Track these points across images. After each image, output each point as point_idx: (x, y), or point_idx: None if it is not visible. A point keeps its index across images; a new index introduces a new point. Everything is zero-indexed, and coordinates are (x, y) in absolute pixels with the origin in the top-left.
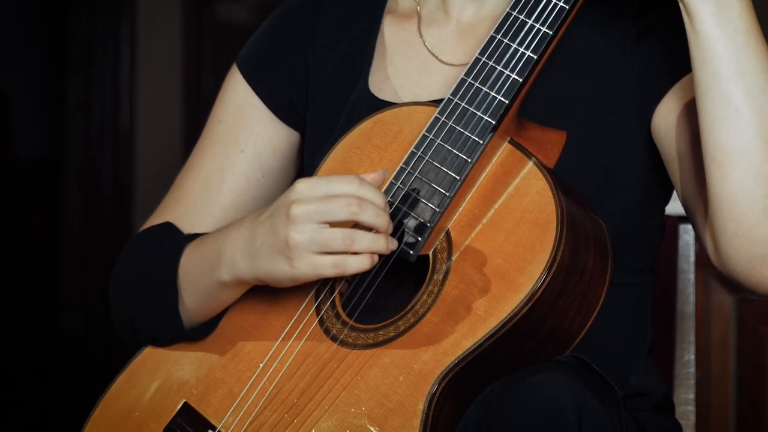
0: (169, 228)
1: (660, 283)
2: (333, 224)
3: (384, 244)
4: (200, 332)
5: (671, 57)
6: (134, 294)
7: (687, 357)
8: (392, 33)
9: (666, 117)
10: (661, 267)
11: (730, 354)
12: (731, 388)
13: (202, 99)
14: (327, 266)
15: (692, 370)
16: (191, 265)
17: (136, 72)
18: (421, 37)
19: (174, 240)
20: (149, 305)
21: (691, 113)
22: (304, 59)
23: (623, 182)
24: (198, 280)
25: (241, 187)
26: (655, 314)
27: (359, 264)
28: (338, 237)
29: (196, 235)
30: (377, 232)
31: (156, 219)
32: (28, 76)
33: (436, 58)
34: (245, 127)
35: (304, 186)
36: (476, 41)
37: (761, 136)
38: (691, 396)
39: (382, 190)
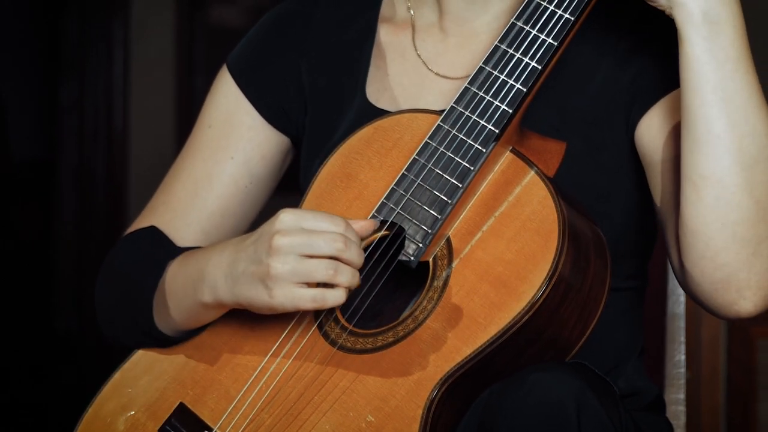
0: (154, 235)
1: (651, 284)
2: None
3: (358, 279)
4: (187, 337)
5: (661, 70)
6: (118, 299)
7: (677, 357)
8: (387, 43)
9: (649, 129)
10: (652, 268)
11: (720, 354)
12: (721, 388)
13: (194, 101)
14: (306, 299)
15: (682, 370)
16: (175, 283)
17: (129, 74)
18: (416, 49)
19: (160, 252)
20: (131, 314)
21: (674, 129)
22: (298, 64)
23: (619, 188)
24: (181, 299)
25: (229, 193)
26: (646, 315)
27: (336, 298)
28: (321, 267)
29: (183, 249)
30: None
31: (144, 221)
32: (21, 78)
33: (432, 71)
34: (235, 133)
35: (289, 217)
36: (472, 55)
37: (739, 164)
38: (682, 396)
39: (372, 212)
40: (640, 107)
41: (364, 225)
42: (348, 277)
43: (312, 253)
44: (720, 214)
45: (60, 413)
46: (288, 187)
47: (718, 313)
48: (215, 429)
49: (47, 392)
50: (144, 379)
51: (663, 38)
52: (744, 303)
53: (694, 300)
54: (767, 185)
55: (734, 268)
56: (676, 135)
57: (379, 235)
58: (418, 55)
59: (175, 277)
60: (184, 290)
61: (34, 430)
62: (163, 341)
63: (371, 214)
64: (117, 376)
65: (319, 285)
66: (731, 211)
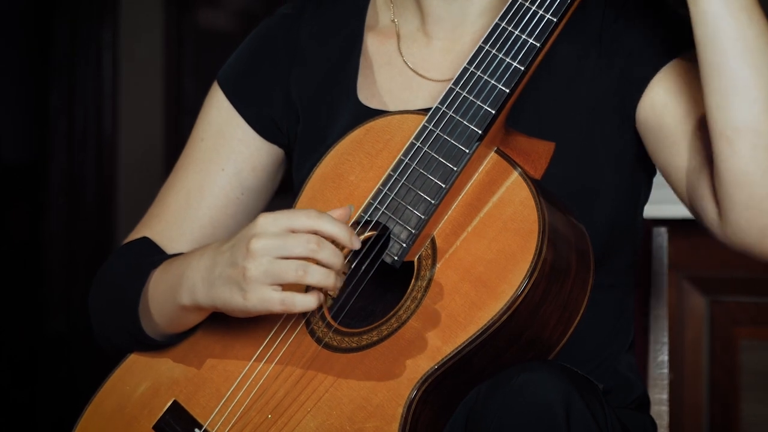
0: (144, 246)
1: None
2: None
3: (334, 281)
4: (175, 341)
5: (647, 50)
6: (107, 307)
7: (660, 358)
8: (374, 51)
9: (653, 107)
10: (636, 269)
11: (702, 355)
12: (704, 388)
13: (183, 103)
14: (275, 302)
15: (666, 371)
16: (157, 289)
17: (118, 77)
18: (402, 56)
19: (146, 261)
20: (120, 320)
21: (681, 95)
22: (287, 76)
23: (608, 184)
24: (163, 304)
25: (220, 205)
26: None
27: (306, 303)
28: (291, 268)
29: (167, 257)
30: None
31: (138, 232)
32: (11, 80)
33: (420, 75)
34: (227, 146)
35: (266, 220)
36: (458, 57)
37: None
38: (665, 396)
39: (358, 212)
40: (634, 93)
41: (339, 213)
42: (318, 276)
43: (286, 254)
44: (759, 161)
45: (50, 414)
46: (285, 189)
47: (766, 258)
48: (205, 426)
49: (38, 393)
50: (140, 378)
51: (640, 21)
52: None
53: (740, 250)
54: None
55: None
56: (686, 100)
57: (364, 236)
58: (405, 62)
59: (158, 283)
60: (165, 295)
61: (25, 430)
62: (152, 346)
63: (357, 214)
64: (114, 375)
65: (308, 288)
66: None
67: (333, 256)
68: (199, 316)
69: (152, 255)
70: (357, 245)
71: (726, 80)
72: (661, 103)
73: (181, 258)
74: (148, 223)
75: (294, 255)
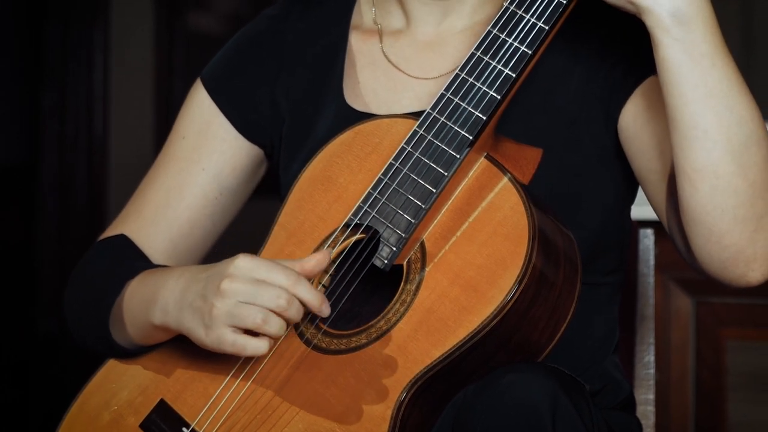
0: (122, 245)
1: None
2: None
3: (285, 332)
4: (147, 351)
5: (632, 61)
6: (82, 309)
7: (647, 358)
8: (358, 50)
9: (634, 120)
10: (623, 271)
11: (689, 355)
12: (690, 389)
13: (173, 106)
14: (227, 343)
15: (652, 371)
16: (132, 301)
17: (109, 80)
18: (384, 54)
19: (125, 267)
20: (92, 324)
21: (658, 116)
22: (272, 77)
23: (593, 188)
24: (136, 316)
25: (199, 205)
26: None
27: (257, 348)
28: (251, 314)
29: (145, 265)
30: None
31: (116, 228)
32: (3, 83)
33: (403, 72)
34: (208, 145)
35: (244, 263)
36: (441, 55)
37: (729, 152)
38: (651, 397)
39: (348, 215)
40: (617, 104)
41: (320, 260)
42: (276, 328)
43: (254, 302)
44: (718, 201)
45: (42, 414)
46: (271, 190)
47: (730, 285)
48: (193, 425)
49: (29, 393)
50: (127, 376)
51: (628, 31)
52: (753, 274)
53: (706, 276)
54: (760, 165)
55: (740, 247)
56: (659, 122)
57: (354, 238)
58: (388, 60)
59: (133, 294)
60: (139, 308)
61: (16, 430)
62: (122, 354)
63: (347, 217)
64: (101, 372)
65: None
66: (729, 198)
67: (297, 315)
68: (168, 334)
69: (130, 257)
70: (326, 312)
71: (687, 124)
72: (643, 114)
73: (159, 273)
74: (126, 218)
75: (261, 305)
